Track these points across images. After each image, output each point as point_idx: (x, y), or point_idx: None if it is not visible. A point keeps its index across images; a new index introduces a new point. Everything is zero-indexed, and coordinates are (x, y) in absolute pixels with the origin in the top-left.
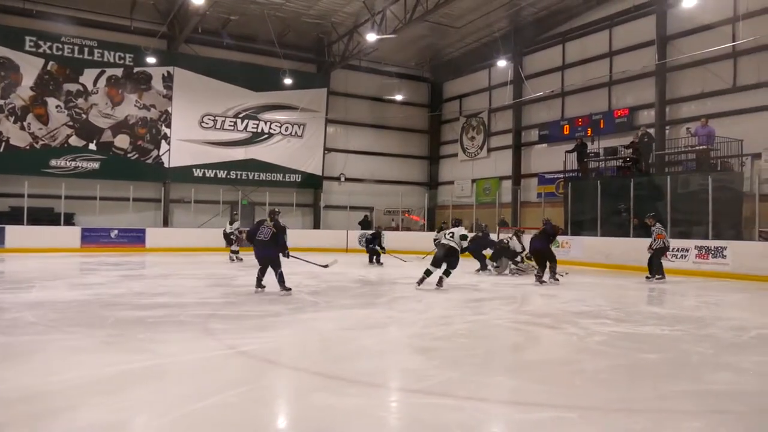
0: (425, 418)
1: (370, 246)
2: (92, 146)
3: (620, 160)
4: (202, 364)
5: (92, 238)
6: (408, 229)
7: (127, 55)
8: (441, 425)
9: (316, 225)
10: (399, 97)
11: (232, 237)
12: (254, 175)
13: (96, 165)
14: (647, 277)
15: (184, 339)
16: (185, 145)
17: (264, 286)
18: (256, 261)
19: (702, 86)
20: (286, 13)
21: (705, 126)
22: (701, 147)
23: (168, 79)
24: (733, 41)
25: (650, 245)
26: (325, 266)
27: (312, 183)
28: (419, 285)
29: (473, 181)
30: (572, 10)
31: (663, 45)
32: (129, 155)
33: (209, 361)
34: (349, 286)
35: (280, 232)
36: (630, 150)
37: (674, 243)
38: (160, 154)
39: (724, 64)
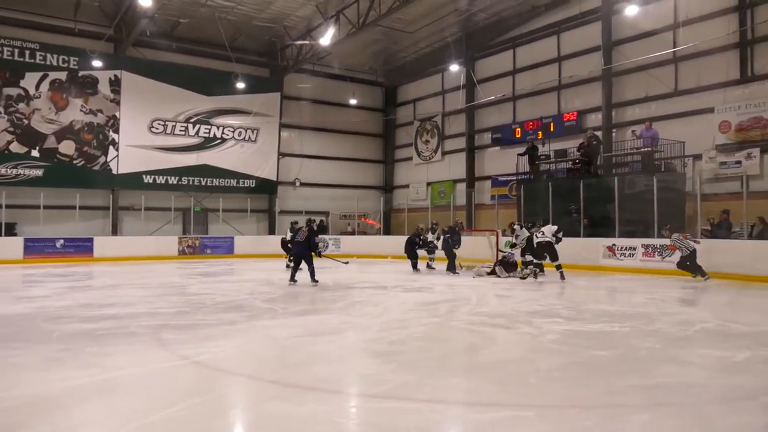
0: (383, 422)
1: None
2: (35, 153)
3: (570, 162)
4: (153, 376)
5: (36, 248)
6: (364, 233)
7: (72, 59)
8: (399, 429)
9: (271, 231)
10: (353, 101)
11: (290, 246)
12: (207, 181)
13: (39, 172)
14: (694, 277)
15: (135, 351)
16: (134, 150)
17: (296, 281)
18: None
19: (646, 90)
20: (237, 16)
21: (649, 128)
22: (646, 149)
23: (115, 83)
24: (674, 47)
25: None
26: (346, 262)
27: (266, 188)
28: (536, 278)
29: (428, 184)
30: (521, 16)
31: (609, 50)
32: (75, 162)
33: (161, 372)
34: (304, 292)
35: (311, 235)
36: (580, 152)
37: (623, 242)
38: (108, 160)
39: (666, 69)
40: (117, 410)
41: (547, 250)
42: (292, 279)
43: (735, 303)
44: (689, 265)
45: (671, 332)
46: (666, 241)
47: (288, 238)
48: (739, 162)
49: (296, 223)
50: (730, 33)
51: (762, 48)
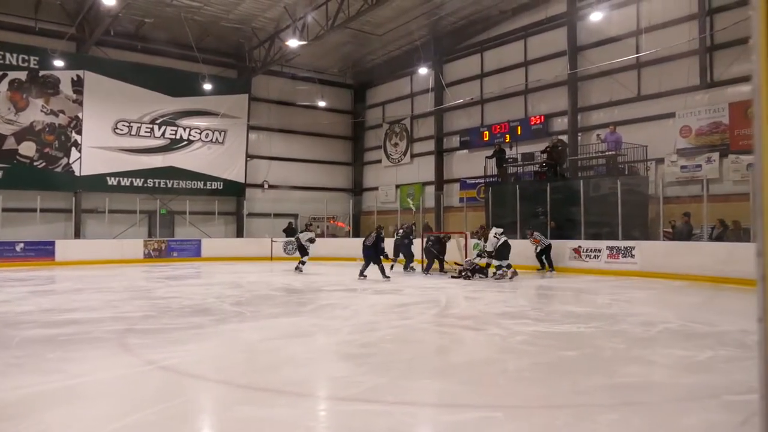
0: (355, 425)
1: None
2: None
3: (537, 165)
4: (119, 381)
5: None
6: (333, 235)
7: (32, 58)
8: None
9: (240, 233)
10: (322, 104)
11: (304, 245)
12: (173, 183)
13: None
14: (542, 269)
15: (99, 356)
16: (98, 152)
17: (366, 276)
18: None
19: (610, 95)
20: (204, 17)
21: (613, 132)
22: (610, 152)
23: (78, 84)
24: (637, 53)
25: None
26: (391, 266)
27: (234, 190)
28: (512, 279)
29: (397, 186)
30: (489, 20)
31: (574, 55)
32: (36, 163)
33: (127, 378)
34: (273, 295)
35: (378, 240)
36: (546, 156)
37: (588, 244)
38: (71, 162)
39: (630, 74)
40: (82, 417)
41: (508, 249)
42: (361, 275)
43: (697, 304)
44: (545, 257)
45: (635, 332)
46: (630, 243)
47: (303, 238)
48: (699, 166)
49: (311, 224)
50: (691, 40)
51: (721, 55)
